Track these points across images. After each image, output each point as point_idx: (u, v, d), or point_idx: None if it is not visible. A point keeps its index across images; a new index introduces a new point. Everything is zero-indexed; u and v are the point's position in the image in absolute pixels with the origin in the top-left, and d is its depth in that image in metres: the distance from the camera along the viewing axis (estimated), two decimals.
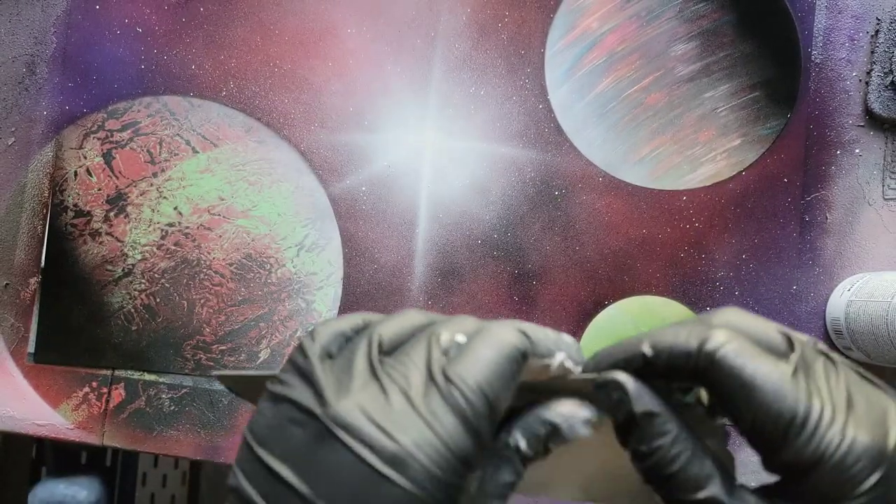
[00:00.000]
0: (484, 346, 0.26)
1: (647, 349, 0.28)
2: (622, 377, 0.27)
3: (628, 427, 0.27)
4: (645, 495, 0.32)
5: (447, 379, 0.25)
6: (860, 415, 0.25)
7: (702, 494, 0.25)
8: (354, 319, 0.29)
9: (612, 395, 0.27)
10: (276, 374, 0.27)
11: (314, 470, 0.24)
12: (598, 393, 0.27)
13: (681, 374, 0.27)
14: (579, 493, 0.33)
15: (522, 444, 0.27)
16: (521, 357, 0.26)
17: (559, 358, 0.28)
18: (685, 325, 0.28)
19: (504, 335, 0.26)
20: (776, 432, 0.25)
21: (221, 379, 0.32)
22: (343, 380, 0.25)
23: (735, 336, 0.26)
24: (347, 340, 0.28)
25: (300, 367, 0.26)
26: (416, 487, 0.23)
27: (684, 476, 0.26)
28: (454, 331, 0.27)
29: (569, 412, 0.27)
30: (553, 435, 0.27)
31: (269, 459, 0.24)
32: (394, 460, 0.23)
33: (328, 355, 0.27)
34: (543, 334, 0.28)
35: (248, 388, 0.33)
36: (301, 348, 0.27)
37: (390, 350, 0.27)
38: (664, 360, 0.27)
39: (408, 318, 0.28)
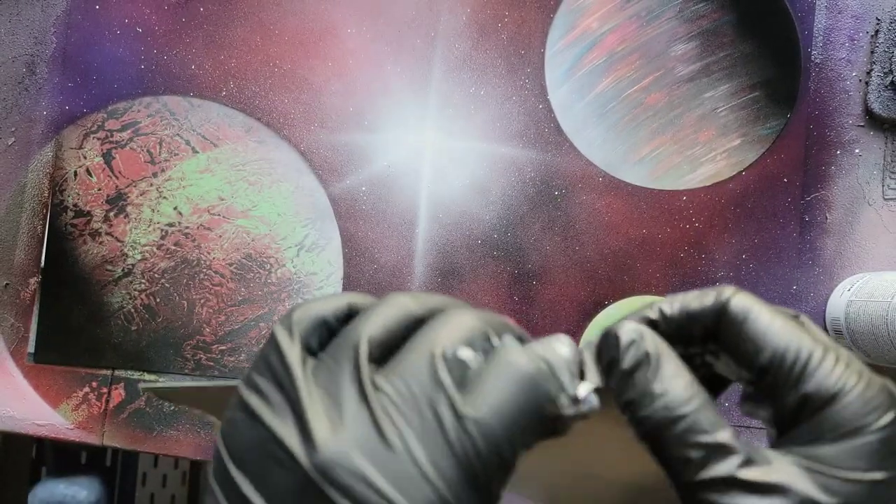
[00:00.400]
0: (504, 381, 0.22)
1: (665, 308, 0.27)
2: (627, 324, 0.26)
3: (637, 370, 0.25)
4: None
5: (461, 428, 0.22)
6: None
7: (718, 437, 0.24)
8: (338, 303, 0.25)
9: (625, 336, 0.25)
10: (239, 383, 0.23)
11: None
12: (605, 339, 0.26)
13: (693, 331, 0.27)
14: (542, 494, 0.32)
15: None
16: (549, 409, 0.23)
17: (583, 392, 0.25)
18: (685, 293, 0.28)
19: (524, 367, 0.23)
20: (797, 364, 0.25)
21: (156, 392, 0.29)
22: (330, 410, 0.22)
23: (743, 290, 0.27)
24: (330, 332, 0.25)
25: (277, 375, 0.23)
26: None
27: (697, 417, 0.24)
28: (455, 340, 0.24)
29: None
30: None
31: (250, 494, 0.22)
32: None
33: (309, 350, 0.24)
34: (557, 367, 0.24)
35: (197, 398, 0.29)
36: (276, 346, 0.23)
37: (382, 357, 0.24)
38: (676, 320, 0.27)
39: (397, 308, 0.25)
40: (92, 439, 0.66)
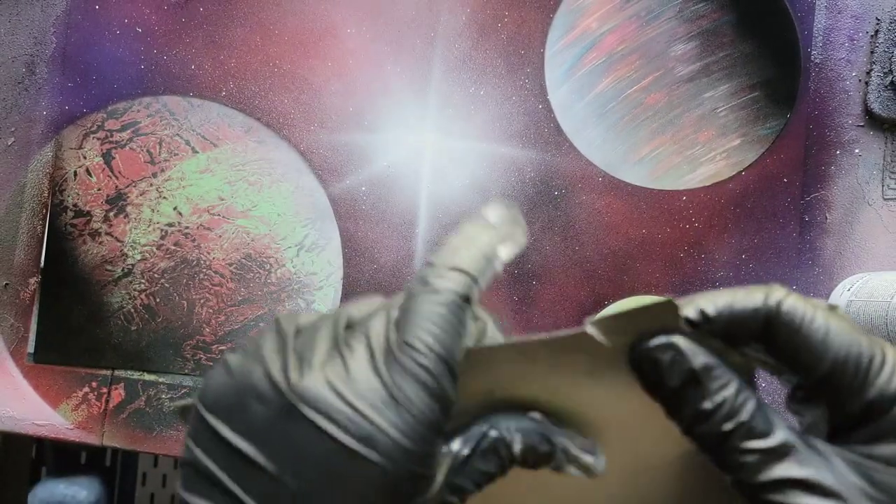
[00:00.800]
0: (426, 301, 0.25)
1: (708, 308, 0.27)
2: (671, 337, 0.26)
3: (684, 390, 0.26)
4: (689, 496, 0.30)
5: (399, 344, 0.25)
6: None
7: (774, 440, 0.25)
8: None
9: (662, 357, 0.26)
10: (228, 352, 0.27)
11: (280, 447, 0.24)
12: (640, 362, 0.26)
13: (741, 332, 0.27)
14: None
15: (517, 449, 0.26)
16: (465, 301, 0.26)
17: (503, 256, 0.27)
18: (726, 290, 0.27)
19: (442, 284, 0.26)
20: (858, 372, 0.25)
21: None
22: (306, 354, 0.25)
23: (791, 292, 0.27)
24: None
25: (266, 337, 0.26)
26: (387, 462, 0.23)
27: (751, 425, 0.25)
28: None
29: (580, 447, 0.27)
30: (550, 458, 0.27)
31: (228, 434, 0.24)
32: (363, 437, 0.23)
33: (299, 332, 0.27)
34: (480, 261, 0.27)
35: None
36: (275, 322, 0.27)
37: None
38: (719, 322, 0.27)
39: (375, 299, 0.28)
40: (92, 439, 0.66)
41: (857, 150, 0.61)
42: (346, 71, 0.65)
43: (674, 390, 0.26)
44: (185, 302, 0.65)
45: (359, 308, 0.28)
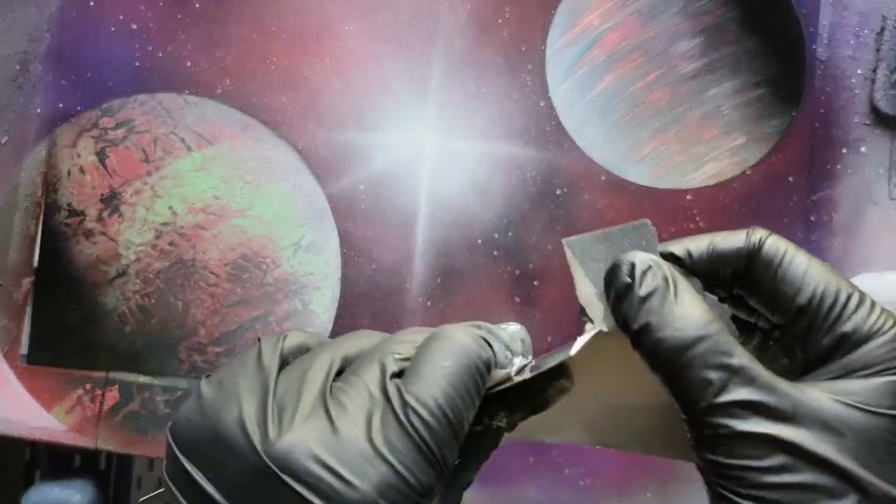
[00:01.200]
0: (441, 355, 0.24)
1: (692, 246, 0.27)
2: (641, 254, 0.26)
3: (651, 296, 0.26)
4: (655, 438, 0.31)
5: (403, 402, 0.23)
6: None
7: (740, 360, 0.24)
8: (323, 336, 0.27)
9: (636, 265, 0.26)
10: (201, 381, 0.25)
11: None
12: (616, 274, 0.26)
13: (720, 272, 0.27)
14: (587, 436, 0.32)
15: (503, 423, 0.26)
16: (485, 368, 0.25)
17: (517, 364, 0.26)
18: (710, 234, 0.28)
19: (462, 340, 0.24)
20: (836, 305, 0.26)
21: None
22: (288, 406, 0.23)
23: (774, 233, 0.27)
24: None
25: (249, 375, 0.24)
26: None
27: (717, 340, 0.25)
28: (408, 342, 0.25)
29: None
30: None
31: (203, 483, 0.22)
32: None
33: (285, 362, 0.25)
34: (497, 335, 0.26)
35: None
36: (258, 351, 0.25)
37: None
38: (704, 259, 0.27)
39: (364, 335, 0.27)
40: (86, 442, 0.66)
41: (863, 149, 0.61)
42: (345, 69, 0.65)
43: (643, 297, 0.25)
44: (180, 303, 0.65)
45: (350, 346, 0.26)
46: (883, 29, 0.61)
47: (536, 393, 0.27)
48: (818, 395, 0.24)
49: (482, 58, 0.65)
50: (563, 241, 0.28)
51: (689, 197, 0.63)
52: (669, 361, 0.25)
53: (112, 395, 0.65)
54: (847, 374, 0.25)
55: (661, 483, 0.62)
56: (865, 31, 0.62)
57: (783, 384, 0.25)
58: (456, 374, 0.23)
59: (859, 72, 0.62)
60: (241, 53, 0.66)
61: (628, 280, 0.26)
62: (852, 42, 0.62)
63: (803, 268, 0.26)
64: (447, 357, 0.24)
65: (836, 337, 0.25)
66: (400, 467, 0.22)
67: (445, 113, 0.65)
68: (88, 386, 0.65)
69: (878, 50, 0.61)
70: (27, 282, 0.67)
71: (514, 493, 0.63)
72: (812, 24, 0.62)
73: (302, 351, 0.26)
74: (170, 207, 0.66)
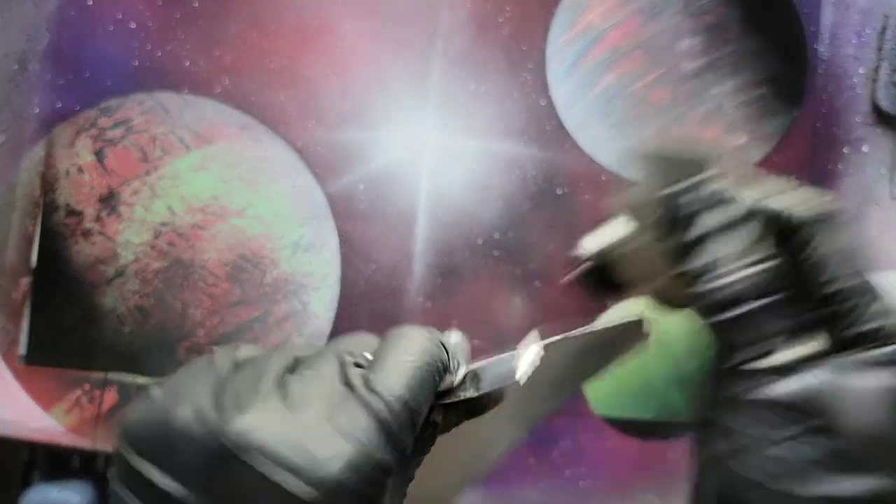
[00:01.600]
0: (405, 351, 0.25)
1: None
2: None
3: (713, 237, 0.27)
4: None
5: (369, 388, 0.24)
6: None
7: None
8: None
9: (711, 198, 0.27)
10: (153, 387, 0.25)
11: (219, 492, 0.22)
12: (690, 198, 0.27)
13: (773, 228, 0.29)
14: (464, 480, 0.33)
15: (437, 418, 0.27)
16: (443, 369, 0.26)
17: (460, 374, 0.27)
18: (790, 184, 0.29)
19: (424, 340, 0.26)
20: (858, 307, 0.28)
21: None
22: (243, 393, 0.23)
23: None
24: None
25: (203, 371, 0.25)
26: (332, 500, 0.22)
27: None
28: (358, 342, 0.27)
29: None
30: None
31: (156, 477, 0.22)
32: (311, 479, 0.22)
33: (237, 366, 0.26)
34: (446, 341, 0.27)
35: None
36: (211, 356, 0.25)
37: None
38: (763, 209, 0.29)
39: (312, 347, 0.28)
40: (84, 443, 0.66)
41: (864, 148, 0.61)
42: (344, 67, 0.65)
43: (701, 237, 0.27)
44: (178, 303, 0.65)
45: (300, 351, 0.27)
46: (885, 28, 0.61)
47: (474, 401, 0.28)
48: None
49: (482, 56, 0.65)
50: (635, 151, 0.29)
51: None
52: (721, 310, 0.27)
53: (111, 396, 0.65)
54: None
55: (663, 484, 0.62)
56: (867, 31, 0.62)
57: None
58: (419, 368, 0.25)
59: (861, 71, 0.62)
60: (239, 52, 0.66)
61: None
62: (854, 41, 0.62)
63: (835, 259, 0.27)
64: (411, 354, 0.25)
65: (854, 335, 0.27)
66: (364, 445, 0.23)
67: (445, 111, 0.65)
68: (87, 387, 0.65)
69: (880, 49, 0.61)
70: (25, 282, 0.66)
71: (514, 494, 0.63)
72: (814, 23, 0.62)
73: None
74: (168, 207, 0.66)
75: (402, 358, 0.25)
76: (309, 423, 0.23)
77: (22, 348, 0.66)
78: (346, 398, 0.23)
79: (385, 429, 0.23)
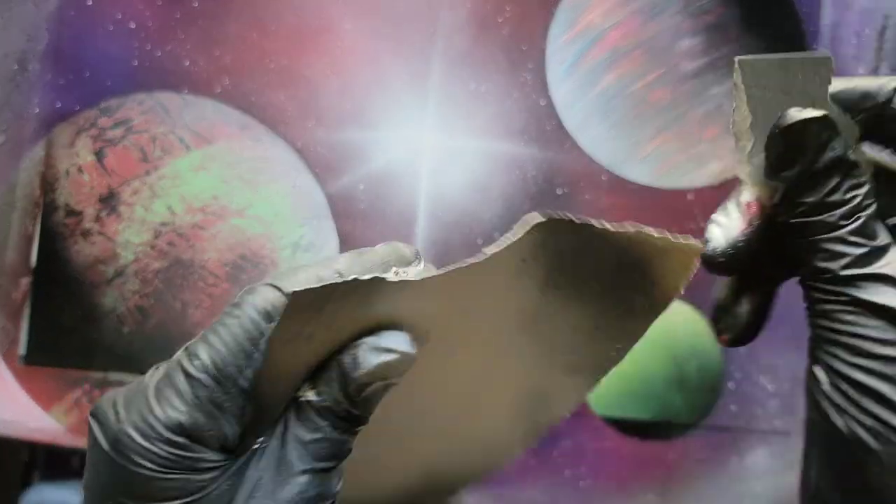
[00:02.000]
0: (221, 320, 0.26)
1: (841, 87, 0.28)
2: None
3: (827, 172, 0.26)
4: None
5: (178, 361, 0.26)
6: None
7: (880, 241, 0.26)
8: None
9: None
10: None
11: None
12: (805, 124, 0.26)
13: (856, 115, 0.28)
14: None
15: (312, 396, 0.26)
16: (264, 316, 0.26)
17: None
18: (855, 78, 0.28)
19: (246, 299, 0.26)
20: None
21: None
22: (128, 401, 0.26)
23: None
24: None
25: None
26: (130, 464, 0.24)
27: (867, 222, 0.26)
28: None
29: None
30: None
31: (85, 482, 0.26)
32: (113, 441, 0.24)
33: None
34: (310, 280, 0.26)
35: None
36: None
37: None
38: (848, 101, 0.27)
39: None
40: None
41: (864, 148, 0.61)
42: (344, 67, 0.65)
43: (815, 172, 0.26)
44: (178, 303, 0.65)
45: None
46: (885, 28, 0.61)
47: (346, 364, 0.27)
48: None
49: (482, 56, 0.65)
50: (736, 59, 0.27)
51: (690, 197, 0.63)
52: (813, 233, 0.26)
53: None
54: None
55: (663, 484, 0.62)
56: (867, 30, 0.62)
57: None
58: (226, 329, 0.26)
59: (861, 71, 0.61)
60: (239, 52, 0.66)
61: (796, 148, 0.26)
62: (854, 41, 0.62)
63: None
64: (224, 319, 0.26)
65: None
66: (155, 406, 0.25)
67: (445, 111, 0.65)
68: (87, 386, 0.65)
69: (880, 49, 0.61)
70: (25, 282, 0.66)
71: (514, 495, 0.63)
72: (813, 22, 0.62)
73: None
74: (168, 207, 0.66)
75: (219, 325, 0.26)
76: (128, 392, 0.26)
77: (22, 348, 0.66)
78: (178, 372, 0.26)
79: (211, 401, 0.25)
